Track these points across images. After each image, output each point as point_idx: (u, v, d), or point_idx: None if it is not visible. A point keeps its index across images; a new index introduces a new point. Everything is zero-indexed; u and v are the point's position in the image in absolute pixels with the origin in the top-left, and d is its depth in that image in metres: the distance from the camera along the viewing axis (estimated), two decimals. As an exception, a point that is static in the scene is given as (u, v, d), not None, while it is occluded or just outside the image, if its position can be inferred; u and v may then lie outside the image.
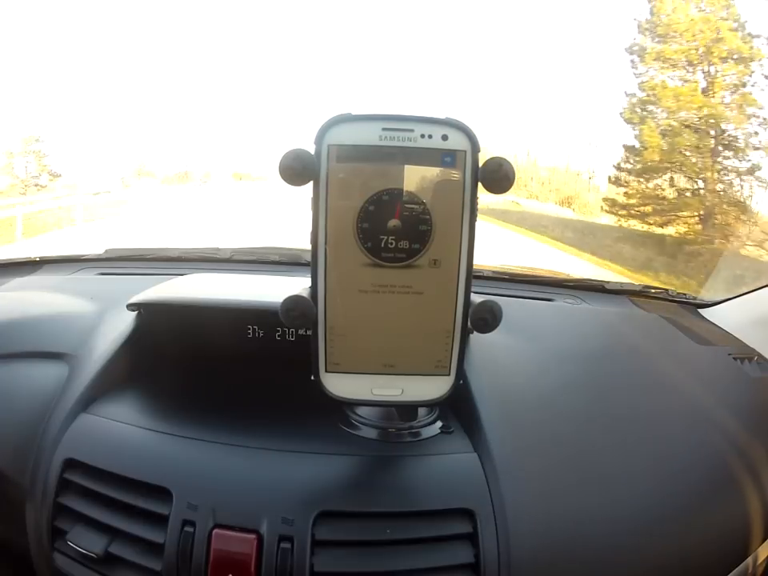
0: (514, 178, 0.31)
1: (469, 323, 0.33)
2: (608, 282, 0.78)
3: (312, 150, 0.31)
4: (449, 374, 0.35)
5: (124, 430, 0.40)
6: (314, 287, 0.33)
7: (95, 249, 0.85)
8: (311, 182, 0.31)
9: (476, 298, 0.33)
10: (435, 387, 0.35)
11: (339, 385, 0.35)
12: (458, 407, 0.43)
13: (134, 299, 0.48)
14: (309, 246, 0.32)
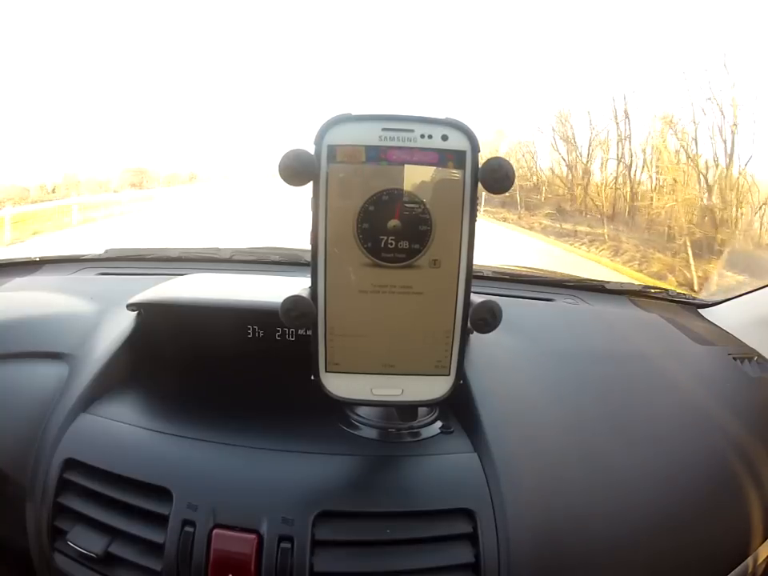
0: (514, 178, 0.31)
1: (469, 323, 0.33)
2: (608, 282, 0.78)
3: (312, 150, 0.31)
4: (449, 374, 0.35)
5: (124, 430, 0.40)
6: (313, 287, 0.33)
7: (95, 249, 0.85)
8: (311, 183, 0.31)
9: (476, 298, 0.33)
10: (435, 387, 0.35)
11: (339, 385, 0.35)
12: (458, 407, 0.43)
13: (134, 299, 0.48)
14: (309, 246, 0.32)
